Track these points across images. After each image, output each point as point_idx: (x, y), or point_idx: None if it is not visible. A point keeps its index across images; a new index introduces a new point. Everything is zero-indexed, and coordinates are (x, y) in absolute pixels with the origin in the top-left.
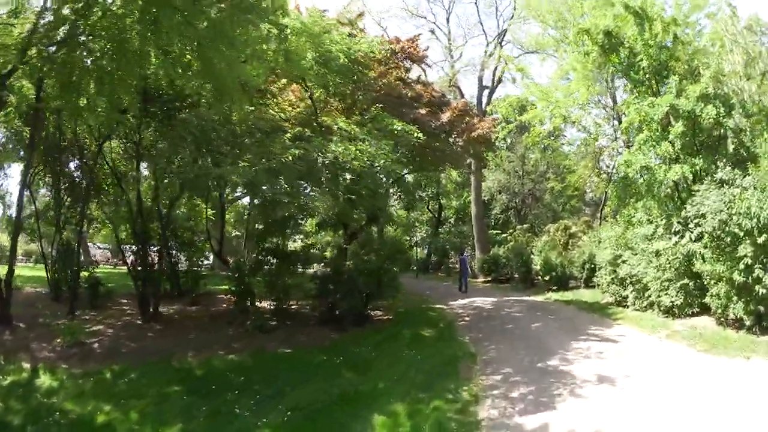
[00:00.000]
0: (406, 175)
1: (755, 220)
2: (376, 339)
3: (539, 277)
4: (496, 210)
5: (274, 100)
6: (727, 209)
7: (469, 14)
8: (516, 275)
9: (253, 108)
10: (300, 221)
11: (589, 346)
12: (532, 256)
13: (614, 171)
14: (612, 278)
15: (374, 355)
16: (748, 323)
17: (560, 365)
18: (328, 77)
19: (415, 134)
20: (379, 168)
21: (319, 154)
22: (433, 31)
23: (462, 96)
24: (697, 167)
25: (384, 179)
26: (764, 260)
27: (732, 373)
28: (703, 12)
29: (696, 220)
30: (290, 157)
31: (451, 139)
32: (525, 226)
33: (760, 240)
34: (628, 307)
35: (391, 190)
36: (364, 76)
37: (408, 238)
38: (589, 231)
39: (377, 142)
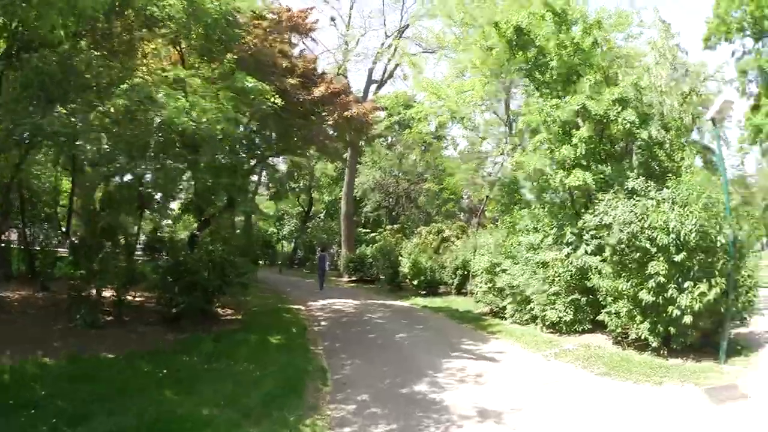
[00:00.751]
0: (274, 161)
1: (673, 235)
2: (213, 346)
3: (407, 281)
4: (368, 208)
5: (144, 60)
6: (639, 221)
7: (375, 5)
8: (382, 277)
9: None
10: (160, 201)
11: (464, 365)
12: (400, 258)
13: (499, 175)
14: (489, 287)
15: (206, 368)
16: (654, 344)
17: (431, 392)
18: (193, 32)
19: (271, 98)
20: (219, 132)
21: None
22: (333, 19)
23: (349, 87)
24: (603, 175)
25: (244, 157)
26: (680, 280)
27: (646, 402)
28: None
29: (593, 231)
30: (112, 109)
31: (325, 124)
32: (396, 226)
33: (677, 258)
34: (506, 319)
35: (255, 177)
36: (239, 38)
37: (276, 231)
38: (464, 236)
39: (218, 102)
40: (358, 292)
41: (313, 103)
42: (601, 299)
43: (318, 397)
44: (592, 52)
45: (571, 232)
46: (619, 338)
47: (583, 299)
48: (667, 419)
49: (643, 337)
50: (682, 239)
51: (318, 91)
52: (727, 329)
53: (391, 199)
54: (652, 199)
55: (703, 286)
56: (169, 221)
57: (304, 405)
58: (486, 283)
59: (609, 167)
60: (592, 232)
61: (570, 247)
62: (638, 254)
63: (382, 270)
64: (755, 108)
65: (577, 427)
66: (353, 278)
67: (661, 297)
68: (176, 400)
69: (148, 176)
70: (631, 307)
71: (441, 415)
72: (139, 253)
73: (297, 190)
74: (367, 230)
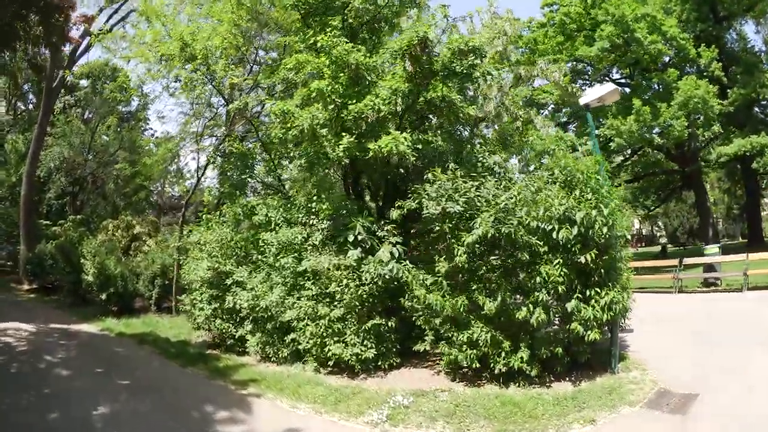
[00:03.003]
0: None
1: (580, 228)
2: None
3: (94, 291)
4: (52, 194)
5: None
6: (523, 208)
7: None
8: (64, 284)
9: None
10: None
11: None
12: (83, 261)
13: (222, 147)
14: (214, 309)
15: None
16: (533, 373)
17: None
18: None
19: None
20: None
21: None
22: None
23: None
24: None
25: None
26: (579, 286)
27: None
28: None
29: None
30: None
31: None
32: (79, 217)
33: (583, 258)
34: (246, 353)
35: None
36: None
37: None
38: (156, 234)
39: None
40: (36, 309)
41: None
42: (420, 322)
43: None
44: None
45: (363, 226)
46: (461, 372)
47: (389, 323)
48: None
49: (514, 367)
50: (592, 233)
51: None
52: (617, 334)
53: (77, 184)
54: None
55: (612, 293)
56: None
57: None
58: (209, 302)
59: (438, 137)
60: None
61: (359, 249)
62: (519, 255)
63: (65, 276)
64: None
65: None
66: (34, 286)
67: (554, 312)
68: None
69: None
70: (494, 332)
71: None
72: None
73: None
74: (50, 222)
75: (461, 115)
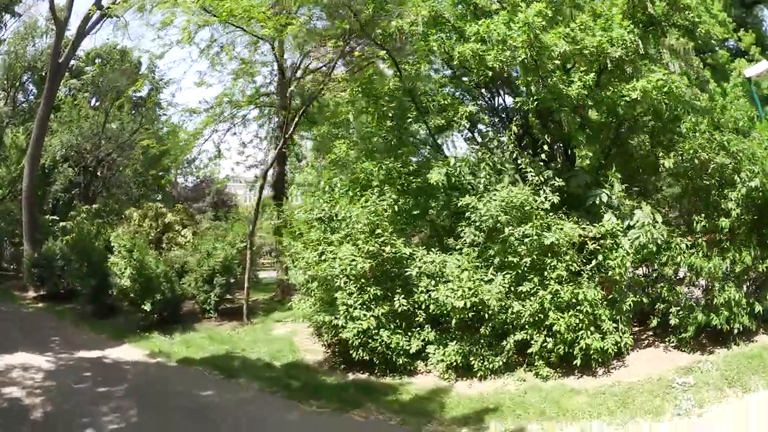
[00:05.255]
0: None
1: None
2: None
3: (128, 298)
4: (58, 186)
5: None
6: None
7: None
8: (82, 289)
9: None
10: None
11: None
12: (110, 259)
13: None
14: (380, 315)
15: None
16: None
17: None
18: None
19: None
20: None
21: None
22: None
23: None
24: None
25: None
26: None
27: None
28: None
29: None
30: None
31: None
32: (94, 207)
33: None
34: (413, 372)
35: None
36: None
37: None
38: (192, 223)
39: None
40: (49, 325)
41: None
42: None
43: None
44: None
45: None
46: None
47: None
48: None
49: None
50: None
51: None
52: None
53: (87, 173)
54: None
55: None
56: None
57: None
58: (367, 307)
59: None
60: None
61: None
62: None
63: (83, 279)
64: None
65: None
66: (41, 292)
67: None
68: None
69: None
70: None
71: None
72: None
73: None
74: (57, 218)
75: None
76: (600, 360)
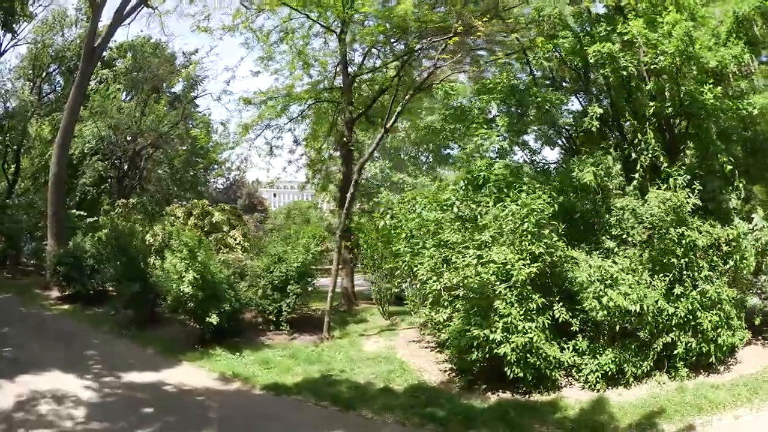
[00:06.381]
0: None
1: None
2: None
3: (187, 307)
4: (86, 179)
5: None
6: None
7: None
8: (116, 292)
9: None
10: None
11: None
12: (154, 260)
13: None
14: (544, 326)
15: None
16: None
17: None
18: None
19: None
20: None
21: None
22: None
23: None
24: None
25: None
26: None
27: None
28: None
29: None
30: None
31: None
32: (132, 201)
33: None
34: (552, 387)
35: None
36: None
37: None
38: (240, 224)
39: None
40: (80, 335)
41: None
42: None
43: None
44: None
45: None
46: None
47: None
48: None
49: None
50: None
51: None
52: None
53: (121, 167)
54: None
55: None
56: None
57: None
58: (529, 318)
59: None
60: None
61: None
62: None
63: (122, 280)
64: None
65: None
66: (66, 292)
67: None
68: None
69: None
70: None
71: None
72: None
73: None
74: (82, 213)
75: None
76: (721, 357)
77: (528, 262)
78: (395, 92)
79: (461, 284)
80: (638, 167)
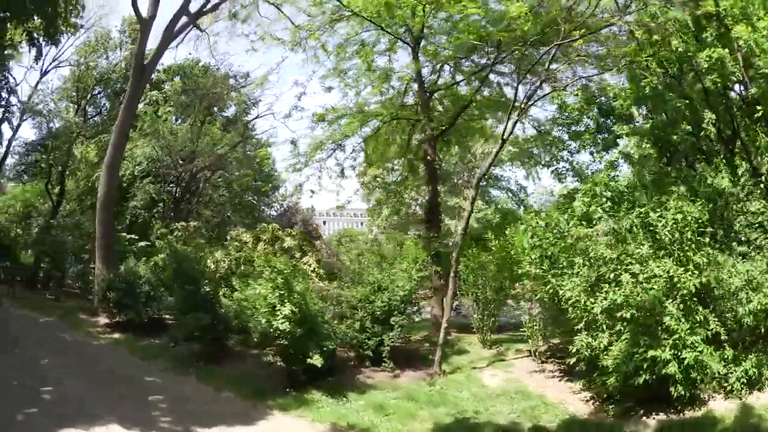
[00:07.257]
0: None
1: None
2: None
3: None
4: (137, 202)
5: None
6: None
7: None
8: (177, 321)
9: None
10: None
11: None
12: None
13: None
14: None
15: None
16: None
17: None
18: None
19: None
20: None
21: None
22: None
23: None
24: None
25: None
26: None
27: None
28: None
29: None
30: None
31: None
32: (193, 224)
33: None
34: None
35: None
36: None
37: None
38: (313, 249)
39: None
40: (140, 371)
41: None
42: None
43: None
44: None
45: None
46: None
47: None
48: None
49: None
50: None
51: None
52: None
53: (178, 189)
54: None
55: None
56: None
57: None
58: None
59: None
60: None
61: None
62: None
63: (184, 311)
64: None
65: None
66: (116, 320)
67: None
68: None
69: None
70: None
71: None
72: None
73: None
74: (134, 236)
75: None
76: None
77: (695, 272)
78: (511, 103)
79: (625, 303)
80: (764, 170)
